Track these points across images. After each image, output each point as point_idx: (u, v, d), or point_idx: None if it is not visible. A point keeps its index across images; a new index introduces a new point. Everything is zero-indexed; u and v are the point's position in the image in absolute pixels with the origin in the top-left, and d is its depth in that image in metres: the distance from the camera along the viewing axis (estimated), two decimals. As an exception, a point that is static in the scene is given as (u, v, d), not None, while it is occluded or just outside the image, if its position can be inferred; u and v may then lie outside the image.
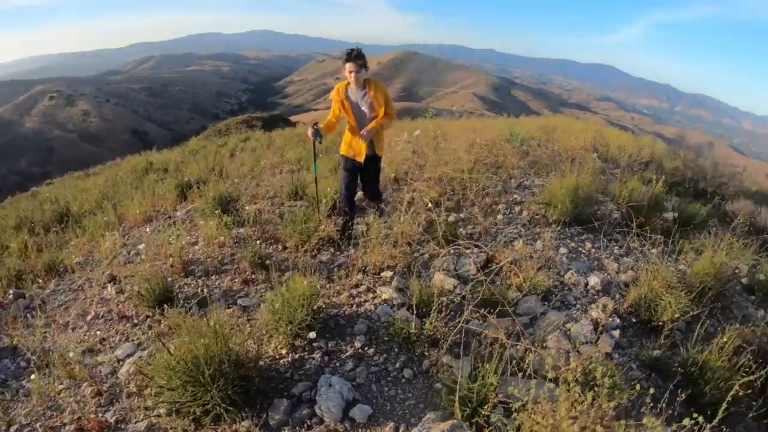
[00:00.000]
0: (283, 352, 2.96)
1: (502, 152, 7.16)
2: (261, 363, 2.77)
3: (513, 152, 7.33)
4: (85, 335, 3.70)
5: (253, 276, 4.05)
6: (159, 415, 2.59)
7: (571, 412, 1.94)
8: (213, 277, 4.15)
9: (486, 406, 2.32)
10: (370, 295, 3.63)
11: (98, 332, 3.68)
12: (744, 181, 10.10)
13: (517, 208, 5.49)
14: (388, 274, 3.89)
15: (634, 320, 3.59)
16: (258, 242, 4.38)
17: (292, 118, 42.21)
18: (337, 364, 2.93)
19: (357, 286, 3.78)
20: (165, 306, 3.63)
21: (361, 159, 4.39)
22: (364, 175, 4.62)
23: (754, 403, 2.80)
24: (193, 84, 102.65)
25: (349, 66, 4.09)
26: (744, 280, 4.62)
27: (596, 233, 4.98)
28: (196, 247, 4.77)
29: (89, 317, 3.91)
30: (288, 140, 12.53)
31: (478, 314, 3.20)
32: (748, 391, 2.85)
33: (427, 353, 3.01)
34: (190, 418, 2.48)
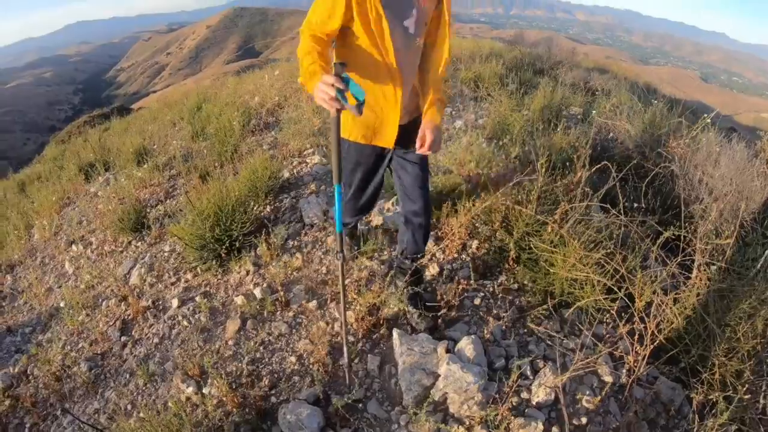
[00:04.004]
0: (261, 209, 3.99)
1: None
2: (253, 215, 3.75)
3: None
4: (76, 283, 4.22)
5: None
6: (192, 268, 3.52)
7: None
8: (167, 201, 4.88)
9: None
10: (304, 165, 4.66)
11: (87, 276, 4.14)
12: (581, 62, 11.83)
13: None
14: (309, 151, 4.94)
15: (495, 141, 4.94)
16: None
17: (135, 105, 39.34)
18: (304, 198, 3.98)
19: (291, 161, 4.78)
20: (142, 231, 4.40)
21: (391, 143, 2.26)
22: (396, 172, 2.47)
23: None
24: (18, 101, 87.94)
25: None
26: (579, 116, 6.20)
27: (452, 104, 6.34)
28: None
29: (70, 273, 4.44)
30: (152, 116, 12.44)
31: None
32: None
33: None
34: (215, 255, 3.42)
